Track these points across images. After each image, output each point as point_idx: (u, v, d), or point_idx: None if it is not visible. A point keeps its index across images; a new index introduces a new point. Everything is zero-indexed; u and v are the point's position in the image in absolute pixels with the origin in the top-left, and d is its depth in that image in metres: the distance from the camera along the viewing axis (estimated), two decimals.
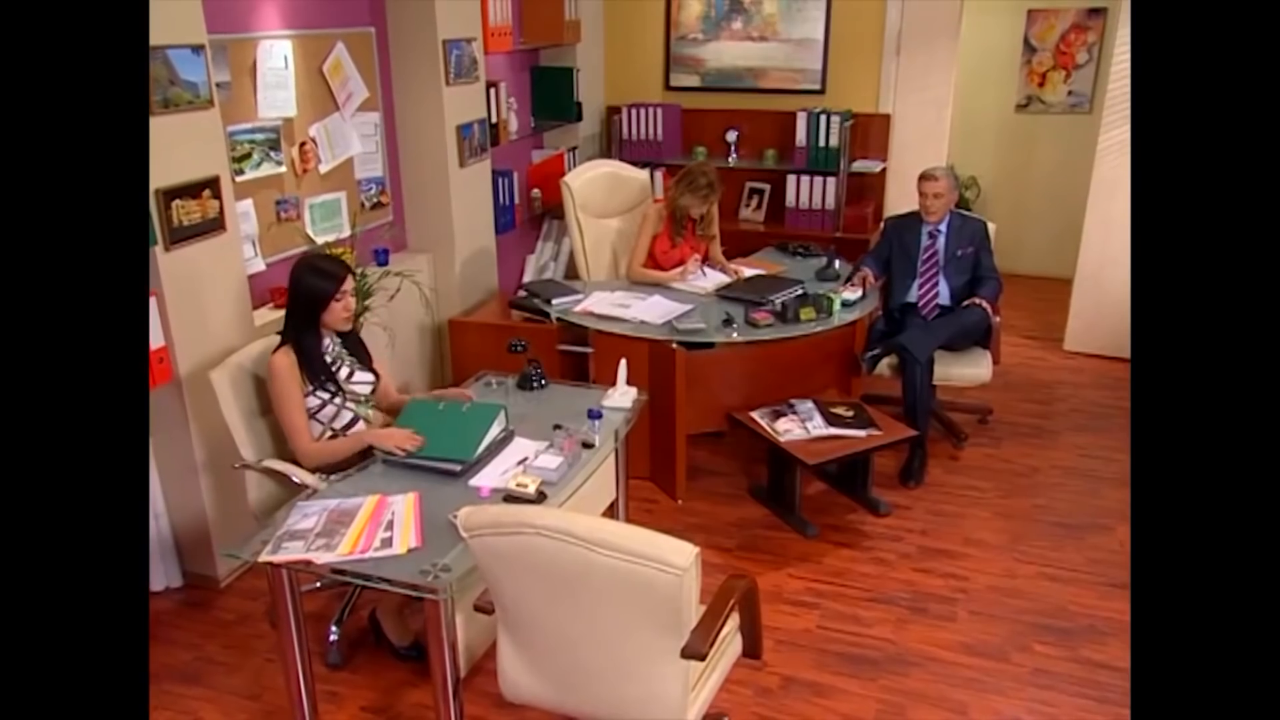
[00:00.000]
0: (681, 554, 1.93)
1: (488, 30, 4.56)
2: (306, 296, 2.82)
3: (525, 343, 3.27)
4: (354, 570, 2.30)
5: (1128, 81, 4.94)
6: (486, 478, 2.68)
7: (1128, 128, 4.99)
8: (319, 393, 2.86)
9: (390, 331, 4.04)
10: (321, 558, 2.31)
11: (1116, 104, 5.02)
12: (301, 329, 2.83)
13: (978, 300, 4.12)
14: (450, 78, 4.27)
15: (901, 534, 3.69)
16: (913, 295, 4.28)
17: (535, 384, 3.27)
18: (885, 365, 4.19)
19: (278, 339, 2.89)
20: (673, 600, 1.97)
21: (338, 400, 2.89)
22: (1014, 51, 6.63)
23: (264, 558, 2.32)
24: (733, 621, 2.38)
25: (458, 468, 2.68)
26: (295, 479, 2.80)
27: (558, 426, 2.89)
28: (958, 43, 5.34)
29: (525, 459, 2.74)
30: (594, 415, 2.97)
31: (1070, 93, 6.58)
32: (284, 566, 2.36)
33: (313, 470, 2.83)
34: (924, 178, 4.16)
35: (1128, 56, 4.90)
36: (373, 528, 2.42)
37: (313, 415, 2.87)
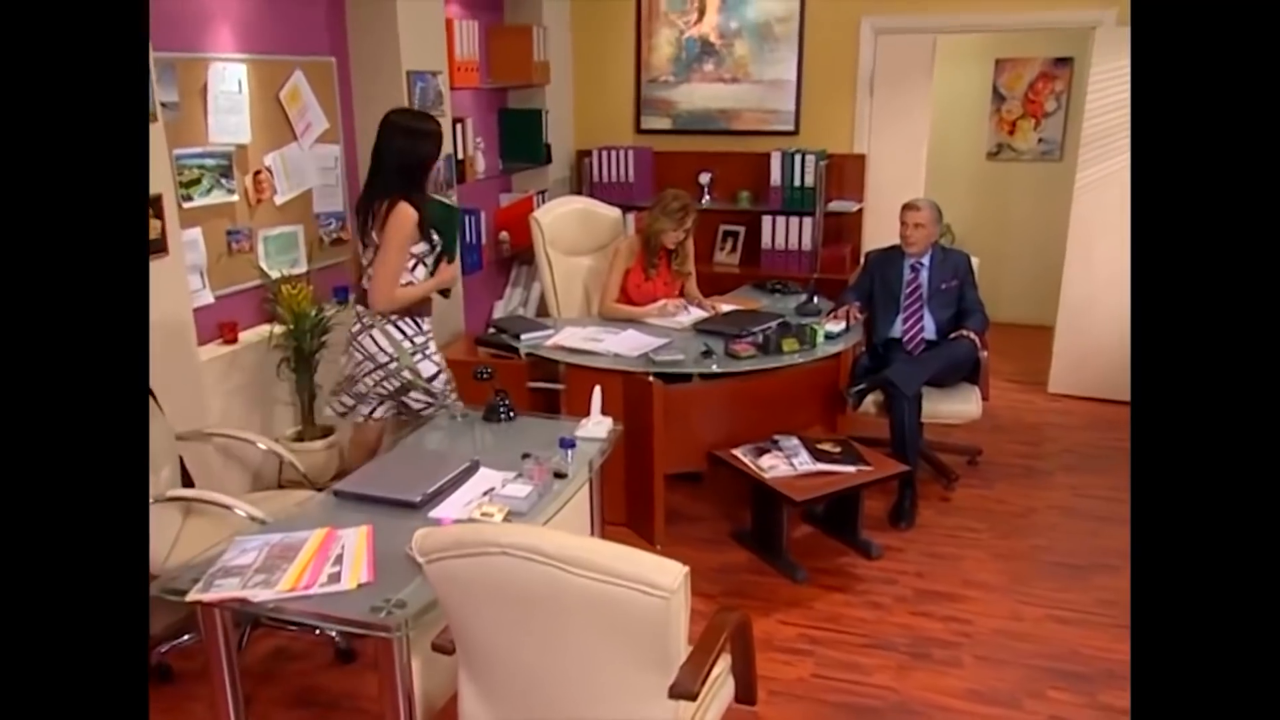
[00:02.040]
0: (668, 574, 1.70)
1: (454, 64, 4.44)
2: (416, 159, 3.04)
3: (491, 370, 3.05)
4: (296, 608, 2.03)
5: (1101, 120, 4.90)
6: (448, 509, 2.43)
7: (1103, 167, 4.94)
8: (425, 242, 3.09)
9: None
10: (259, 595, 2.04)
11: (1092, 143, 4.96)
12: (414, 187, 3.03)
13: (965, 332, 3.97)
14: (415, 110, 4.12)
15: (896, 576, 3.45)
16: (897, 330, 4.12)
17: (503, 416, 3.04)
18: (870, 403, 4.00)
19: None
20: (658, 628, 1.72)
21: (438, 249, 3.15)
22: (983, 100, 6.64)
23: (192, 596, 2.05)
24: (723, 662, 2.13)
25: (417, 498, 2.43)
26: (241, 512, 2.57)
27: (526, 455, 2.65)
28: (931, 82, 5.31)
29: (491, 489, 2.50)
30: (566, 444, 2.74)
31: (1041, 140, 6.58)
32: (217, 606, 2.08)
33: (386, 312, 3.10)
34: (907, 208, 4.04)
35: (1100, 97, 4.88)
36: (319, 562, 2.15)
37: (421, 260, 3.11)
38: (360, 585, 2.08)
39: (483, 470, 2.65)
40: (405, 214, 2.98)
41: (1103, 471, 4.34)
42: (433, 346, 3.24)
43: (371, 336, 3.15)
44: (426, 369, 3.21)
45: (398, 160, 3.01)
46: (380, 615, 1.99)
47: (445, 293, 3.33)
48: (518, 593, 1.76)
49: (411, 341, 3.17)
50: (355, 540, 2.25)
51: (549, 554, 1.70)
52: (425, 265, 3.14)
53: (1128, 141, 4.85)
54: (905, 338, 4.09)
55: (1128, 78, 4.78)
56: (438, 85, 4.29)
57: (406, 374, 3.18)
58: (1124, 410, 5.04)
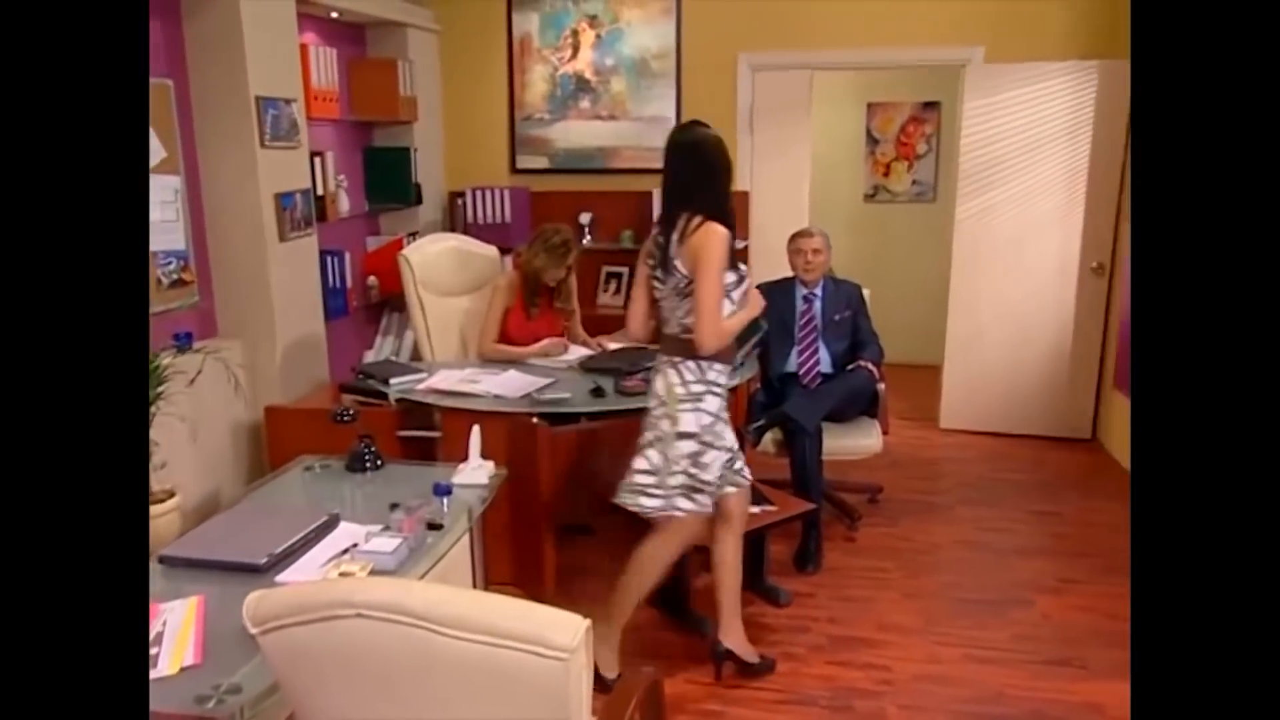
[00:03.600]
0: (565, 630, 1.39)
1: (310, 92, 4.10)
2: (725, 172, 2.67)
3: (354, 412, 2.69)
4: None
5: (975, 155, 4.94)
6: (300, 571, 2.06)
7: (981, 200, 4.97)
8: (733, 271, 2.66)
9: (190, 423, 3.35)
10: None
11: (969, 177, 4.99)
12: (709, 207, 2.60)
13: (862, 363, 3.83)
14: (265, 139, 3.76)
15: (808, 624, 3.21)
16: (792, 364, 3.95)
17: (368, 465, 2.67)
18: (770, 441, 3.80)
19: None
20: (556, 697, 1.40)
21: (744, 281, 2.73)
22: (858, 144, 6.70)
23: None
24: None
25: (262, 560, 2.05)
26: None
27: (395, 505, 2.30)
28: (810, 121, 5.27)
29: (354, 545, 2.14)
30: (441, 491, 2.41)
31: (915, 182, 6.67)
32: None
33: (716, 349, 2.64)
34: (800, 235, 3.91)
35: (973, 132, 4.92)
36: None
37: (728, 293, 2.64)
38: (184, 669, 1.69)
39: (343, 525, 2.28)
40: (717, 233, 2.56)
41: (999, 503, 4.25)
42: (712, 404, 2.69)
43: (653, 381, 2.77)
44: (686, 423, 2.66)
45: (682, 180, 2.65)
46: (208, 705, 1.60)
47: (755, 328, 2.83)
48: (378, 664, 1.42)
49: (686, 387, 2.67)
50: (181, 615, 1.86)
51: (416, 612, 1.38)
52: (731, 301, 2.66)
53: (1002, 175, 4.92)
54: (801, 371, 3.93)
55: (999, 113, 4.87)
56: (292, 114, 3.93)
57: (665, 423, 2.68)
58: (1015, 442, 5.04)
